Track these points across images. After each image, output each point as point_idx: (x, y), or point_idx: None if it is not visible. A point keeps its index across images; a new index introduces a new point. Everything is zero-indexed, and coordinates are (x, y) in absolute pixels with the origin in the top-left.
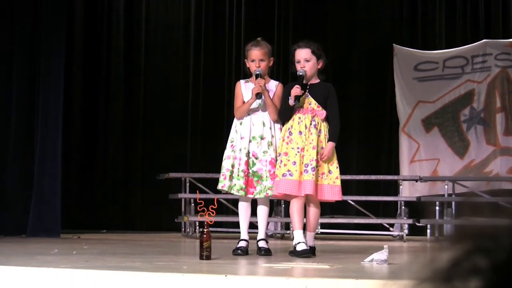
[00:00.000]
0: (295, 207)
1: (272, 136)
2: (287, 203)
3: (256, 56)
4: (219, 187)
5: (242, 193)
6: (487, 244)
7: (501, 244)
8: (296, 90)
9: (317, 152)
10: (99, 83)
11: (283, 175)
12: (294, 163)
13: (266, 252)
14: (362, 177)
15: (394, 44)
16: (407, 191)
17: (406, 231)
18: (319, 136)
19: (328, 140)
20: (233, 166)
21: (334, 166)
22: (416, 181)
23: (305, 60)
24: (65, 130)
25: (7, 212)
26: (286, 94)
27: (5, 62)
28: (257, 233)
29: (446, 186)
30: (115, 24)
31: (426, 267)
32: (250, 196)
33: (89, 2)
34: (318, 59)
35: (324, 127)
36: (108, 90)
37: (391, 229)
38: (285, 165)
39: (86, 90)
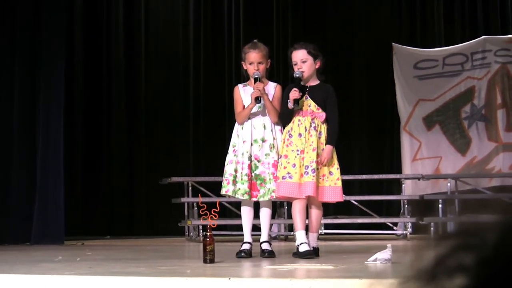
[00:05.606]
0: (297, 208)
1: (274, 139)
2: (290, 205)
3: (255, 59)
4: (223, 192)
5: (246, 197)
6: (472, 240)
7: (486, 240)
8: (294, 93)
9: (317, 154)
10: (101, 88)
11: (283, 177)
12: (294, 165)
13: (269, 254)
14: (364, 176)
15: (393, 43)
16: (410, 190)
17: (409, 229)
18: (319, 138)
19: (326, 144)
20: (236, 170)
21: (335, 168)
22: (419, 179)
23: (301, 61)
24: (68, 136)
25: (11, 220)
26: (285, 96)
27: (5, 68)
28: (260, 235)
29: (448, 184)
30: (114, 28)
31: (411, 266)
32: (254, 199)
33: (89, 4)
34: (315, 59)
35: (324, 129)
36: (110, 95)
37: (394, 228)
38: (284, 167)
39: (88, 95)
